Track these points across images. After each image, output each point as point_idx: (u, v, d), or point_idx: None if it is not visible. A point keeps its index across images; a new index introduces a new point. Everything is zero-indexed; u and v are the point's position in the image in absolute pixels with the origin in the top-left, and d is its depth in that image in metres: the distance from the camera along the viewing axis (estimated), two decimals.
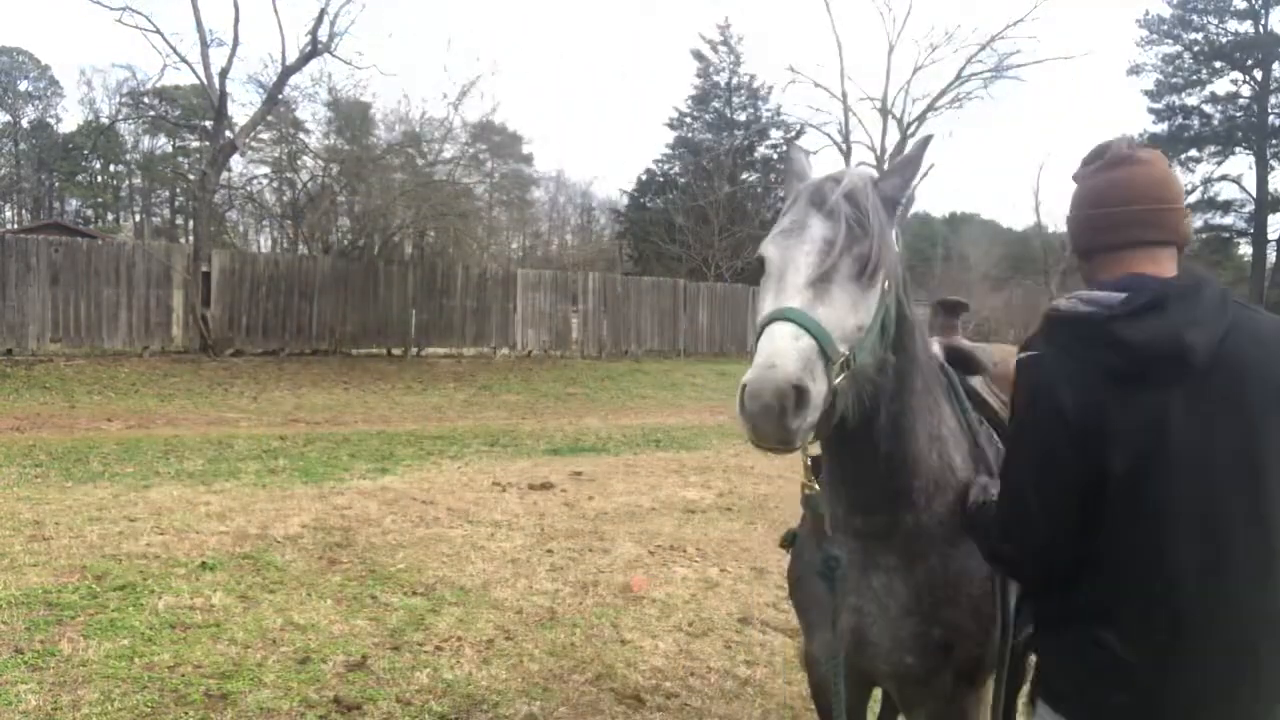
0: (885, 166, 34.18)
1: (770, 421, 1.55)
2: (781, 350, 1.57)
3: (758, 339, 1.64)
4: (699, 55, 41.00)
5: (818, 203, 1.79)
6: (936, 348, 2.45)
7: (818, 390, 1.58)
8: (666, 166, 41.57)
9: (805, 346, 1.59)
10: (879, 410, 1.89)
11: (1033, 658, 3.45)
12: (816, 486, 1.92)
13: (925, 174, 32.61)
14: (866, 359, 1.74)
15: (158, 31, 24.37)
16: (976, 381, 2.42)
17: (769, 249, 1.79)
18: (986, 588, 2.08)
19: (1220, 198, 43.13)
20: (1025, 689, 3.68)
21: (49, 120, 55.96)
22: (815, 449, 2.80)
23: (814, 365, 1.59)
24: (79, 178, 55.38)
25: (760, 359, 1.58)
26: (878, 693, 2.58)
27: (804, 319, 1.62)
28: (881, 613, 2.05)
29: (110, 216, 55.99)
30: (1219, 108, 42.79)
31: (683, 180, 36.77)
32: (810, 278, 1.69)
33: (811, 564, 2.12)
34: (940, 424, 2.07)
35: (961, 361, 2.43)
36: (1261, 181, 41.44)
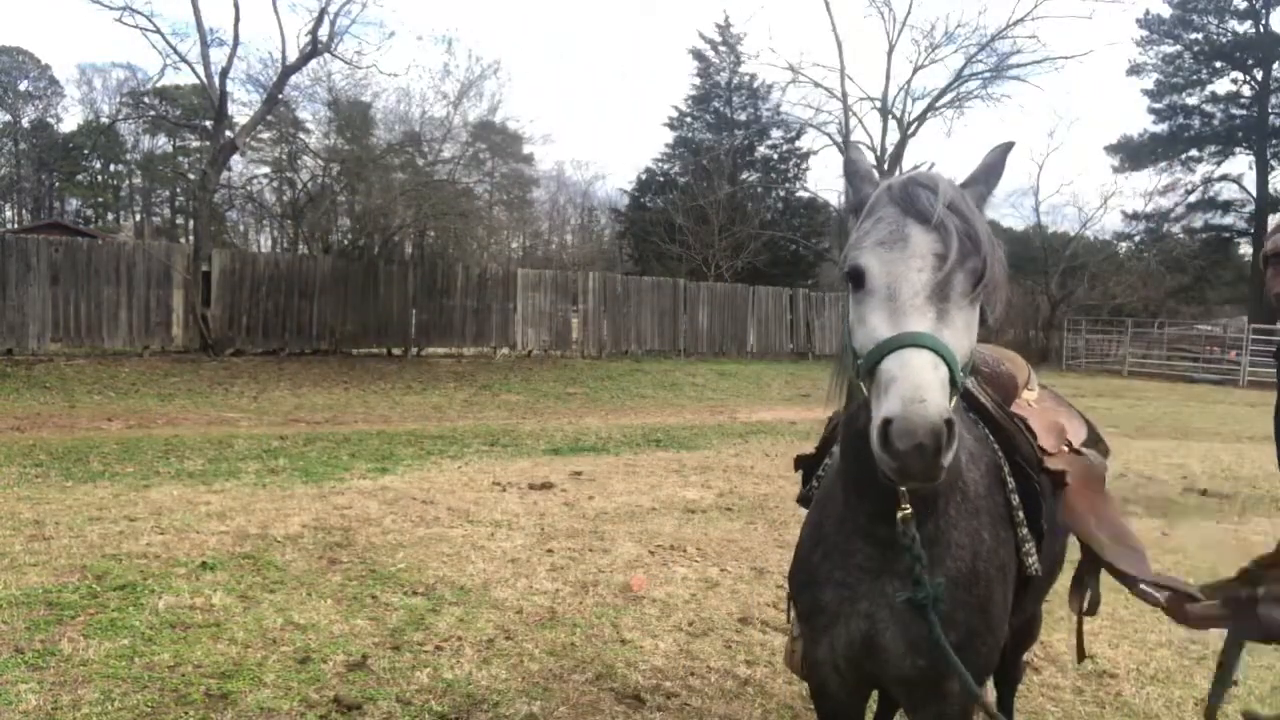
0: (885, 166, 34.19)
1: (924, 460, 1.47)
2: (927, 384, 1.48)
3: (878, 363, 1.55)
4: (699, 55, 40.99)
5: (914, 212, 1.68)
6: None
7: (956, 420, 1.51)
8: (666, 166, 41.55)
9: (944, 377, 1.51)
10: None
11: (1027, 656, 3.48)
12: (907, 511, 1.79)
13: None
14: (963, 380, 1.64)
15: (158, 31, 24.42)
16: (970, 383, 2.43)
17: (869, 260, 1.68)
18: (995, 588, 2.08)
19: (1220, 198, 43.25)
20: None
21: (49, 120, 56.00)
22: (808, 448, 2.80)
23: (948, 394, 1.52)
24: (79, 177, 55.39)
25: (905, 391, 1.48)
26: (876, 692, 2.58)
27: (938, 345, 1.53)
28: (895, 618, 2.03)
29: (110, 216, 56.01)
30: (1219, 108, 42.83)
31: (683, 180, 36.75)
32: (929, 296, 1.59)
33: (819, 571, 2.12)
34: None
35: None
36: (1262, 182, 41.49)
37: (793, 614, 2.54)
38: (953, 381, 1.54)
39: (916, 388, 1.48)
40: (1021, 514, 2.24)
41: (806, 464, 2.70)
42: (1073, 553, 2.94)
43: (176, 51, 21.57)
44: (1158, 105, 43.95)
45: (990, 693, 3.42)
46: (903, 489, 1.73)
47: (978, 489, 2.12)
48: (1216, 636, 4.97)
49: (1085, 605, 2.90)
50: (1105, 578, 2.67)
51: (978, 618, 2.04)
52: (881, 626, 2.05)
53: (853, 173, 1.94)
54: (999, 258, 1.69)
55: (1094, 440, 3.00)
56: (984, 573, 2.05)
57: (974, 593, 2.04)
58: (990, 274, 1.65)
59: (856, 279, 1.70)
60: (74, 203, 56.93)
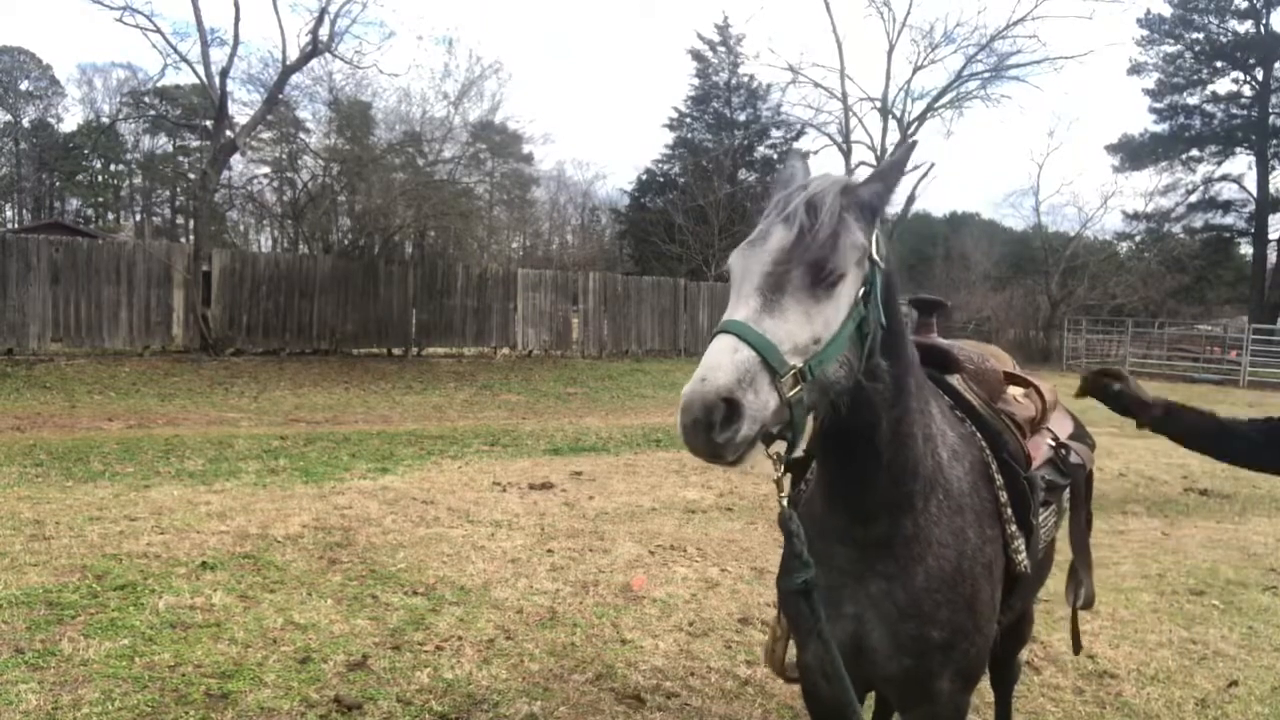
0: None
1: (699, 436, 1.53)
2: (716, 364, 1.54)
3: None
4: (698, 55, 41.00)
5: (781, 211, 1.76)
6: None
7: (757, 403, 1.54)
8: (666, 166, 41.59)
9: (742, 359, 1.55)
10: (880, 418, 1.87)
11: (1023, 654, 3.49)
12: (786, 504, 1.84)
13: (927, 173, 32.67)
14: (834, 370, 1.69)
15: (158, 31, 24.39)
16: (955, 379, 2.43)
17: (734, 259, 1.77)
18: (981, 585, 2.09)
19: (1221, 198, 43.14)
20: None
21: (50, 120, 56.04)
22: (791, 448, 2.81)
23: (754, 378, 1.55)
24: (79, 177, 55.41)
25: (696, 373, 1.55)
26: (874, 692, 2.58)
27: (745, 331, 1.58)
28: (881, 619, 2.05)
29: (111, 216, 56.05)
30: (1220, 107, 42.76)
31: (683, 180, 36.75)
32: (760, 287, 1.66)
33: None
34: (931, 423, 2.07)
35: (938, 360, 2.42)
36: (1262, 181, 41.42)
37: (780, 615, 2.55)
38: (768, 366, 1.56)
39: (705, 368, 1.54)
40: (1010, 511, 2.24)
41: (797, 466, 2.71)
42: (1065, 550, 2.95)
43: (177, 51, 21.53)
44: (1158, 105, 43.91)
45: (987, 694, 3.43)
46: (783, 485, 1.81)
47: (961, 486, 2.12)
48: (1216, 636, 4.99)
49: (1080, 600, 2.94)
50: (1098, 575, 2.70)
51: (965, 616, 2.04)
52: (868, 628, 2.06)
53: (776, 180, 1.99)
54: (847, 248, 1.71)
55: (1080, 435, 3.01)
56: (969, 571, 2.05)
57: (959, 591, 2.04)
58: (831, 265, 1.67)
59: (727, 276, 1.80)
60: (74, 202, 56.97)
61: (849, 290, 1.72)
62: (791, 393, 1.59)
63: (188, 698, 3.51)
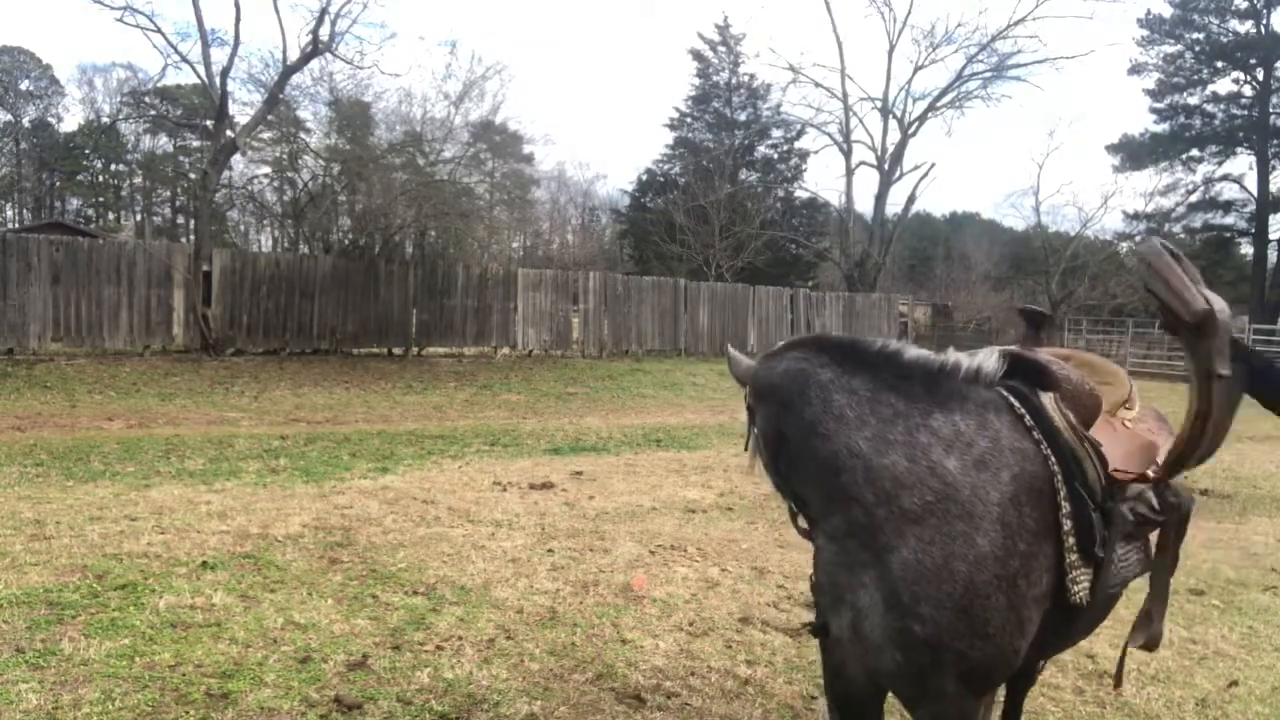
0: (885, 166, 34.12)
1: None
2: None
3: None
4: (698, 55, 41.00)
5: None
6: (992, 357, 2.38)
7: None
8: (667, 166, 41.59)
9: None
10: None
11: (1042, 664, 3.45)
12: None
13: (927, 173, 32.63)
14: None
15: (159, 31, 24.46)
16: (1046, 398, 2.37)
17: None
18: (990, 593, 2.07)
19: (1221, 198, 43.14)
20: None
21: (50, 119, 55.98)
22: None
23: None
24: (80, 177, 55.39)
25: None
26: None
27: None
28: (872, 607, 2.11)
29: (111, 216, 56.02)
30: (1221, 107, 42.75)
31: (683, 180, 36.75)
32: None
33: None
34: (915, 431, 2.13)
35: (1030, 375, 2.39)
36: (1263, 181, 41.41)
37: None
38: None
39: None
40: (1073, 539, 2.21)
41: None
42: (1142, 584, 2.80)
43: (178, 51, 21.64)
44: (1159, 105, 43.90)
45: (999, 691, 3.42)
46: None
47: (979, 494, 2.10)
48: (1217, 636, 4.98)
49: (1143, 641, 2.79)
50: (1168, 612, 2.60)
51: (953, 617, 2.04)
52: (864, 615, 2.12)
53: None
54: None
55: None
56: (967, 575, 2.05)
57: (945, 590, 2.04)
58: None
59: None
60: (75, 202, 56.93)
61: None
62: None
63: (188, 697, 3.51)
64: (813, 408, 2.15)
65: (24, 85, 54.52)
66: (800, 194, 40.59)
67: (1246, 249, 44.26)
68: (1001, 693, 3.45)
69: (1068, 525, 2.20)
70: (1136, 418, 2.79)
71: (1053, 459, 2.24)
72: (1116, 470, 2.37)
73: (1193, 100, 43.35)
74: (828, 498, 2.17)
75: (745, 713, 3.74)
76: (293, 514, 6.49)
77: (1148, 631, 2.76)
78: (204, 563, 5.20)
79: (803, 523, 2.39)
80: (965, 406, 2.20)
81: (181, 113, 36.59)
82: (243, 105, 28.68)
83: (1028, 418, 2.27)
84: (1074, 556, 2.21)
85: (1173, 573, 2.82)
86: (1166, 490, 2.58)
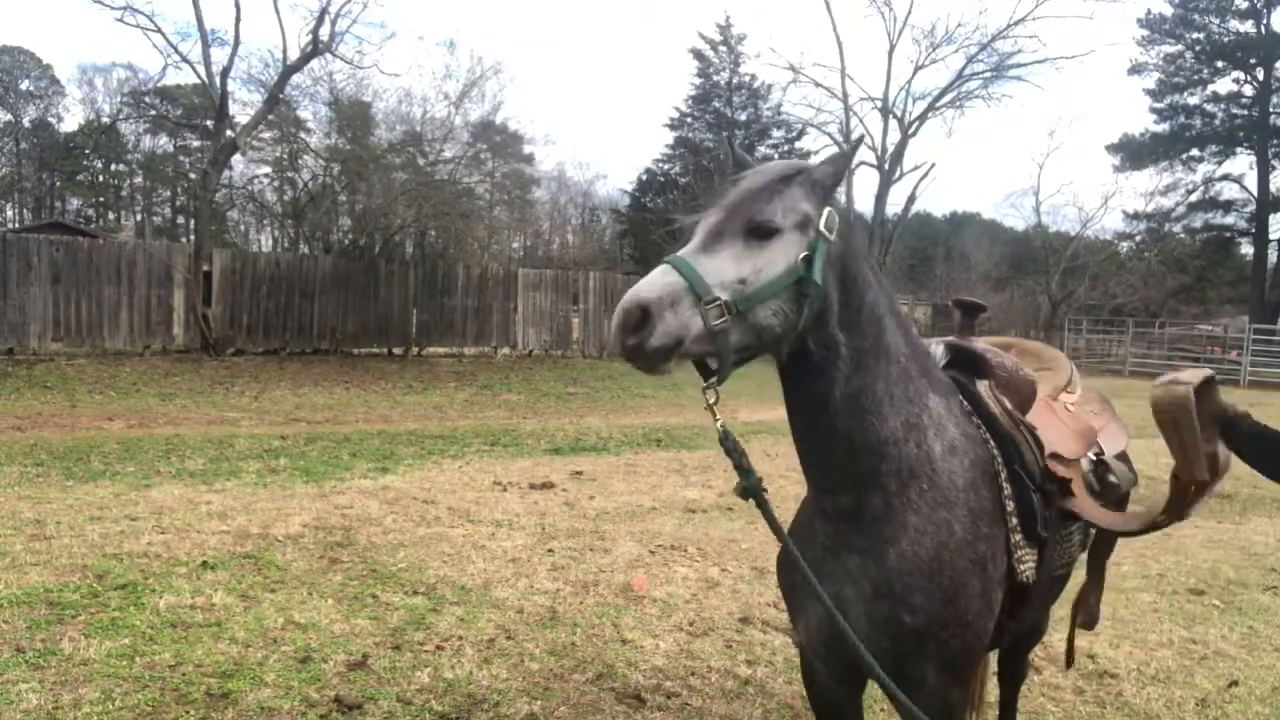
0: (886, 165, 34.12)
1: (616, 337, 1.78)
2: (646, 283, 1.79)
3: None
4: (699, 55, 40.99)
5: (737, 181, 2.03)
6: (938, 347, 2.46)
7: (676, 320, 1.76)
8: (667, 166, 41.57)
9: (669, 281, 1.79)
10: (833, 389, 1.98)
11: (1032, 655, 3.48)
12: (721, 427, 1.95)
13: (927, 173, 32.58)
14: (765, 316, 1.87)
15: (159, 31, 24.44)
16: (981, 386, 2.42)
17: (696, 219, 2.01)
18: (968, 580, 2.09)
19: (1221, 197, 43.13)
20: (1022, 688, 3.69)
21: (50, 119, 56.07)
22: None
23: (676, 298, 1.78)
24: (80, 177, 55.43)
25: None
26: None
27: (678, 262, 1.83)
28: (857, 596, 2.09)
29: (111, 216, 56.06)
30: (1221, 107, 42.75)
31: (683, 180, 36.75)
32: (703, 234, 1.91)
33: (791, 554, 2.14)
34: (923, 414, 2.11)
35: (968, 364, 2.44)
36: (1263, 181, 41.40)
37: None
38: (692, 291, 1.79)
39: (636, 285, 1.80)
40: (1016, 520, 2.23)
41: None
42: (1078, 573, 2.88)
43: (178, 51, 21.64)
44: (1159, 105, 43.89)
45: (993, 691, 3.43)
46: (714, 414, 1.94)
47: (954, 481, 2.13)
48: (1217, 636, 4.99)
49: (1082, 619, 2.94)
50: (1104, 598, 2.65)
51: (943, 606, 2.05)
52: (846, 606, 2.08)
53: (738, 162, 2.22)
54: (784, 211, 1.92)
55: (1127, 457, 2.91)
56: (950, 563, 2.06)
57: (937, 580, 2.05)
58: (763, 220, 1.89)
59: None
60: (75, 202, 56.97)
61: (785, 248, 1.89)
62: (716, 323, 1.79)
63: (188, 697, 3.51)
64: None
65: (24, 85, 54.59)
66: None
67: (1246, 249, 44.24)
68: (997, 694, 3.46)
69: (1010, 506, 2.24)
70: (1078, 401, 2.80)
71: (992, 443, 2.29)
72: (1054, 455, 2.40)
73: (1193, 100, 43.37)
74: (848, 477, 2.06)
75: (745, 713, 3.74)
76: (293, 514, 6.49)
77: (1085, 611, 2.93)
78: (204, 563, 5.20)
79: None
80: (941, 389, 2.22)
81: (181, 113, 36.61)
82: (243, 105, 28.68)
83: (966, 404, 2.32)
84: (1018, 537, 2.24)
85: (1109, 555, 2.94)
86: (1108, 473, 2.66)
